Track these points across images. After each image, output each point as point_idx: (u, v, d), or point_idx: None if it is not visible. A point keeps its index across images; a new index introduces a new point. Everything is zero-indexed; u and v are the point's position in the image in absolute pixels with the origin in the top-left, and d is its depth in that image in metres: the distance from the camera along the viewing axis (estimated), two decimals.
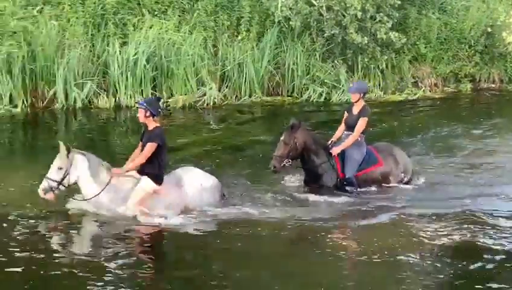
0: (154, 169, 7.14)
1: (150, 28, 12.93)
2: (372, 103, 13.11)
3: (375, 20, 13.17)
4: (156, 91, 12.84)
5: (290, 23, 13.15)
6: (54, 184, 6.78)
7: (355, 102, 7.99)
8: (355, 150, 8.04)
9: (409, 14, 14.27)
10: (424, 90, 13.93)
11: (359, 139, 8.01)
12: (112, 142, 11.08)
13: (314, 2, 13.08)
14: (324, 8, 13.03)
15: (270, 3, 13.52)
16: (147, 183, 7.09)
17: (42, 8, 12.85)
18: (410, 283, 5.65)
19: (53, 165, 6.84)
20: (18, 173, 8.59)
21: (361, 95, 8.04)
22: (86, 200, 7.01)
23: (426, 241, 6.61)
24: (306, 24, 13.37)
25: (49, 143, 10.94)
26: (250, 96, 13.19)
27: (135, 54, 12.61)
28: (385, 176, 8.10)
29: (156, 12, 13.43)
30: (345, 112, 8.16)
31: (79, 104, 12.31)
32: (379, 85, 13.78)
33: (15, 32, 12.34)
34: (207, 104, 12.78)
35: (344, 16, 12.96)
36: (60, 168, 6.86)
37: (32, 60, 12.37)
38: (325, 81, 13.37)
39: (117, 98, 12.64)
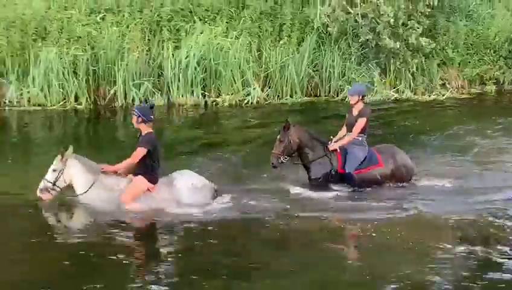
0: (147, 171, 7.27)
1: (201, 33, 13.21)
2: (403, 103, 13.29)
3: (406, 26, 13.32)
4: (205, 91, 13.11)
5: (328, 29, 13.36)
6: (49, 185, 7.04)
7: (354, 104, 8.09)
8: (358, 148, 8.12)
9: (438, 21, 14.40)
10: (451, 92, 14.06)
11: (360, 138, 8.09)
12: (165, 136, 11.12)
13: (350, 10, 13.20)
14: (360, 15, 13.15)
15: (310, 11, 13.75)
16: (140, 181, 7.27)
17: (104, 15, 13.24)
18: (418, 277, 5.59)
19: (50, 167, 7.11)
20: None
21: (360, 97, 8.09)
22: (76, 195, 7.14)
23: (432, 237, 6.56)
24: (343, 30, 13.54)
25: (109, 136, 11.61)
26: (291, 96, 13.41)
27: (187, 57, 12.92)
28: (385, 177, 8.13)
29: (206, 20, 13.67)
30: (347, 113, 8.28)
31: (136, 102, 12.63)
32: (410, 86, 13.89)
33: (80, 37, 12.77)
34: (251, 103, 13.03)
35: (378, 22, 13.11)
36: (54, 170, 7.11)
37: (95, 62, 12.82)
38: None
39: (170, 97, 13.02)
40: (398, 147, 8.49)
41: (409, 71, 13.83)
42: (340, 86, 13.49)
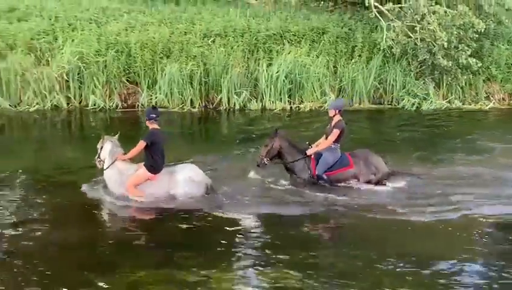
0: (148, 161, 7.54)
1: (288, 53, 13.86)
2: (452, 112, 13.66)
3: (457, 49, 13.69)
4: (290, 99, 13.80)
5: (392, 50, 13.81)
6: (96, 157, 7.89)
7: (332, 117, 8.31)
8: (329, 154, 8.27)
9: (484, 44, 14.64)
10: (494, 103, 14.39)
11: (332, 146, 8.25)
12: (260, 131, 11.74)
13: (411, 35, 13.65)
14: (419, 39, 13.58)
15: (377, 36, 14.19)
16: (142, 171, 7.58)
17: (214, 39, 14.10)
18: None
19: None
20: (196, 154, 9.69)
21: (336, 111, 8.27)
22: (104, 169, 7.80)
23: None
24: (404, 51, 13.94)
25: (215, 132, 12.54)
26: (359, 104, 13.98)
27: (277, 72, 13.61)
28: (355, 177, 8.30)
29: (293, 42, 14.31)
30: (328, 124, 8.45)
31: (237, 106, 13.61)
32: (459, 98, 14.24)
33: (196, 56, 13.67)
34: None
35: (434, 45, 13.51)
36: (97, 148, 7.90)
37: (206, 75, 13.65)
38: (417, 94, 13.88)
39: (263, 103, 13.74)
40: (373, 151, 8.66)
41: (459, 85, 14.24)
42: (401, 96, 14.01)
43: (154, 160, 7.54)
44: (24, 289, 5.60)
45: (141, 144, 7.49)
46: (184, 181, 7.57)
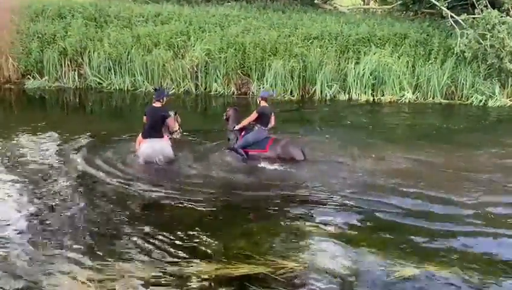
0: (143, 130, 8.08)
1: (374, 54, 14.14)
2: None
3: None
4: (373, 92, 14.06)
5: (464, 54, 13.75)
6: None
7: (259, 103, 8.54)
8: (251, 134, 8.38)
9: None
10: None
11: (256, 127, 8.37)
12: (346, 121, 12.11)
13: (481, 42, 13.52)
14: (488, 45, 13.47)
15: (452, 42, 14.19)
16: (139, 136, 8.21)
17: (312, 41, 14.61)
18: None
19: None
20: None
21: (260, 99, 8.52)
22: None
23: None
24: (475, 55, 13.80)
25: (308, 117, 12.63)
26: (433, 98, 14.04)
27: (363, 69, 13.95)
28: (268, 159, 8.21)
29: (378, 45, 14.55)
30: None
31: (328, 97, 14.06)
32: None
33: (297, 55, 14.22)
34: (403, 102, 13.81)
35: (502, 51, 13.42)
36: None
37: (304, 71, 14.19)
38: (484, 92, 13.80)
39: (350, 95, 14.14)
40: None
41: None
42: (470, 93, 13.96)
43: (145, 128, 8.10)
44: None
45: (144, 117, 8.16)
46: (145, 148, 8.07)
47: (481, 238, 5.89)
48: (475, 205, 6.84)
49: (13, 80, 15.18)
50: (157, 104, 8.08)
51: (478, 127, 11.91)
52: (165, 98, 8.17)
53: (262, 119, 8.39)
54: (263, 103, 8.47)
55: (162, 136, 8.18)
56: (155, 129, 8.05)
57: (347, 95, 14.18)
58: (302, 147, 8.49)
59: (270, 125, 8.60)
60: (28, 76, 15.18)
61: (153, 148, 7.96)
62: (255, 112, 8.42)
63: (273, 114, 8.69)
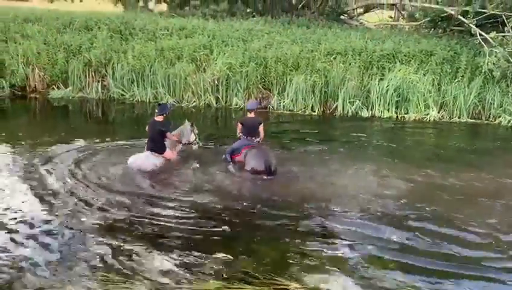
0: None
1: (399, 71, 13.93)
2: None
3: None
4: (397, 109, 13.79)
5: (493, 73, 13.53)
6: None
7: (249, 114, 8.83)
8: (236, 142, 8.82)
9: None
10: None
11: (240, 136, 8.80)
12: (366, 135, 11.99)
13: (511, 60, 13.29)
14: None
15: (480, 60, 13.93)
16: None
17: (335, 56, 14.54)
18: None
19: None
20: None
21: (247, 111, 8.90)
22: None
23: None
24: (504, 74, 13.54)
25: (329, 132, 12.49)
26: (459, 117, 13.76)
27: (387, 86, 13.73)
28: (241, 163, 8.40)
29: (403, 62, 14.37)
30: None
31: (349, 113, 13.83)
32: None
33: (319, 70, 14.16)
34: (428, 120, 13.54)
35: None
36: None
37: (326, 86, 14.09)
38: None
39: (373, 112, 13.90)
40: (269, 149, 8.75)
41: None
42: (498, 113, 13.66)
43: (147, 140, 8.49)
44: None
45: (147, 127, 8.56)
46: (137, 157, 8.39)
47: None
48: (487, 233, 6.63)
49: (39, 89, 15.43)
50: (159, 118, 8.31)
51: (506, 148, 11.60)
52: (167, 113, 8.43)
53: (244, 129, 8.78)
54: (248, 114, 8.88)
55: (162, 149, 8.40)
56: (154, 142, 8.31)
57: (370, 112, 14.00)
58: (271, 161, 8.25)
59: (258, 137, 8.85)
60: (53, 86, 15.38)
61: (135, 160, 8.23)
62: (238, 123, 9.01)
63: (261, 125, 8.88)
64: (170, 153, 8.67)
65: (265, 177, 8.09)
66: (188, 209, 7.02)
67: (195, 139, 9.05)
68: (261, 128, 8.88)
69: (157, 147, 8.39)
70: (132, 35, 16.05)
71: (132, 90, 15.12)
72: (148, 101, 14.83)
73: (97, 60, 15.22)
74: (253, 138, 8.83)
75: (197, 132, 9.19)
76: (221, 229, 6.40)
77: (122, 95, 15.19)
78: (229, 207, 7.17)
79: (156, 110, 8.45)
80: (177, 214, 6.83)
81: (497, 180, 8.62)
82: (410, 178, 8.60)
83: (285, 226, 6.60)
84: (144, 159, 8.30)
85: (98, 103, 14.95)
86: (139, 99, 14.98)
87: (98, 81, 15.33)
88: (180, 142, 8.87)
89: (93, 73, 15.32)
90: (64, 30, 16.29)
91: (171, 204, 7.17)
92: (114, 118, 13.86)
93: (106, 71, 15.25)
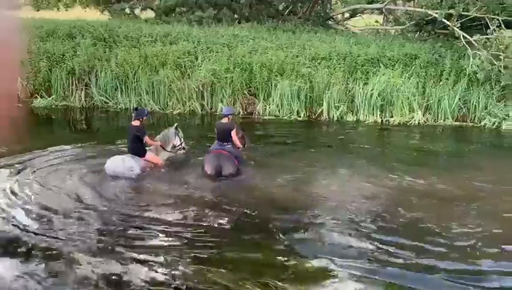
0: None
1: (383, 75, 13.89)
2: None
3: None
4: (382, 113, 13.80)
5: (477, 75, 13.50)
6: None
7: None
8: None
9: None
10: None
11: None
12: (350, 139, 11.99)
13: (495, 63, 13.29)
14: (502, 66, 13.22)
15: (464, 63, 13.92)
16: None
17: (320, 61, 14.36)
18: None
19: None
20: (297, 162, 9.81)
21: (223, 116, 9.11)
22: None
23: None
24: (487, 76, 13.52)
25: (314, 136, 12.55)
26: (444, 120, 13.69)
27: (371, 89, 13.71)
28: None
29: (387, 65, 14.30)
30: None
31: (335, 118, 13.79)
32: None
33: (304, 75, 14.09)
34: (413, 124, 13.54)
35: None
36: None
37: (311, 91, 14.00)
38: (498, 114, 13.41)
39: (358, 116, 13.90)
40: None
41: None
42: (483, 115, 13.60)
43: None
44: None
45: None
46: (113, 161, 8.41)
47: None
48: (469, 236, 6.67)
49: (22, 98, 15.28)
50: (136, 123, 8.39)
51: (490, 150, 11.58)
52: (144, 118, 8.46)
53: (216, 134, 9.00)
54: (223, 120, 9.07)
55: (141, 153, 8.42)
56: (132, 146, 8.40)
57: (355, 116, 13.98)
58: (220, 164, 8.48)
59: (231, 143, 8.94)
60: (36, 95, 15.24)
61: (110, 165, 8.29)
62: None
63: (232, 131, 8.93)
64: (156, 158, 8.65)
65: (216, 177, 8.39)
66: (161, 217, 6.99)
67: (180, 144, 9.01)
68: (233, 133, 8.93)
69: (136, 150, 8.42)
70: (116, 43, 15.91)
71: (116, 98, 14.98)
72: (132, 108, 14.67)
73: (80, 68, 15.09)
74: (225, 143, 8.92)
75: (181, 135, 9.13)
76: (200, 238, 6.40)
77: (105, 102, 15.06)
78: (207, 214, 7.15)
79: (133, 114, 8.50)
80: (152, 222, 6.80)
81: (473, 184, 8.65)
82: (386, 183, 8.60)
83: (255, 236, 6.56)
84: (120, 163, 8.27)
85: (82, 111, 14.82)
86: (123, 107, 14.86)
87: (82, 89, 15.18)
88: (163, 148, 8.79)
89: (76, 81, 15.17)
90: (48, 38, 16.10)
91: (144, 213, 7.13)
92: (97, 126, 13.75)
93: (89, 79, 15.10)
